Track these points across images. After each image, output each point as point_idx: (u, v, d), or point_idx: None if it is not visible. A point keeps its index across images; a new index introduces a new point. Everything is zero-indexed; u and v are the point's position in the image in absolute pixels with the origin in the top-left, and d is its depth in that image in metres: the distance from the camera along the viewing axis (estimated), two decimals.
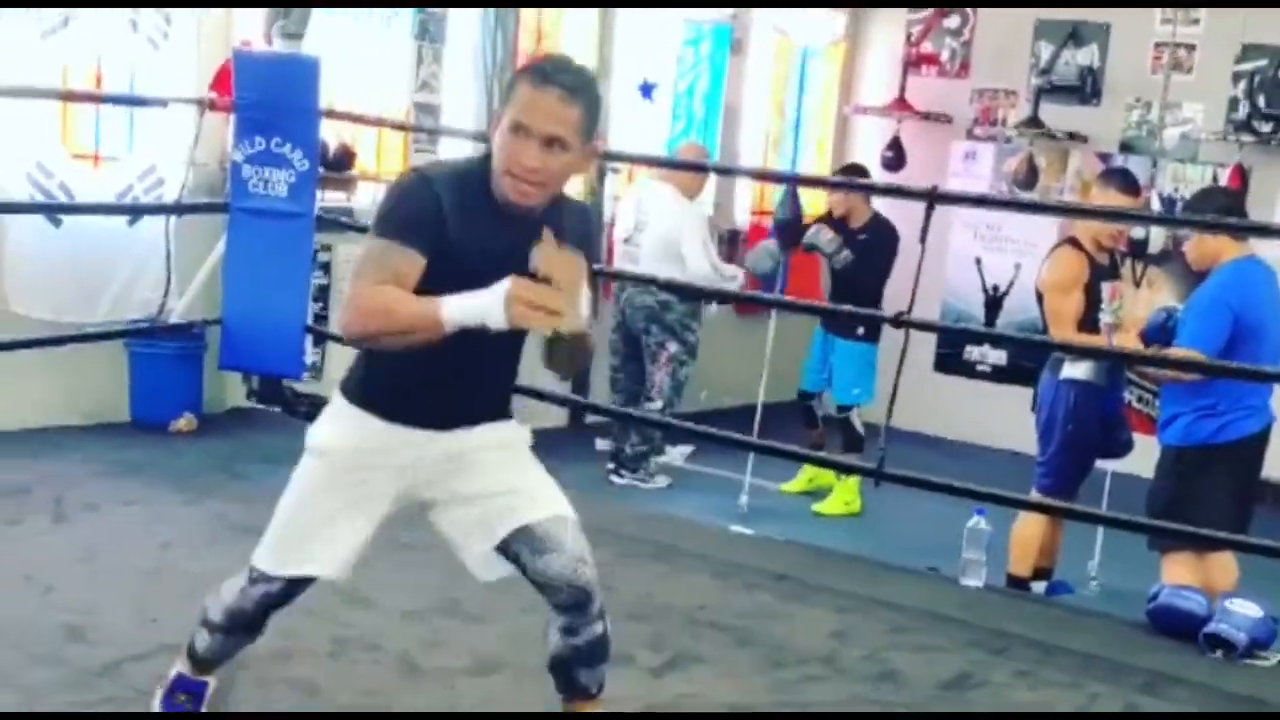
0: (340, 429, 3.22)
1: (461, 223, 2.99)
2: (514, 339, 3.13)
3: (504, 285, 2.80)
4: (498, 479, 3.24)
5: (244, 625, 3.34)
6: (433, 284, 2.91)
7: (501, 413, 3.35)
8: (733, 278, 7.89)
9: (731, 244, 9.61)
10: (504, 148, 2.97)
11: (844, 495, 7.77)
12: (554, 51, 2.88)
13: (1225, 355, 5.14)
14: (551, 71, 2.97)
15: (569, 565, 3.17)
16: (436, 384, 3.14)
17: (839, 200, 7.82)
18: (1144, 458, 5.84)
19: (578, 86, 2.98)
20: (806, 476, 8.07)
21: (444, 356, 2.96)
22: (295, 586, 3.29)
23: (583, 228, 3.23)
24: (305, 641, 4.11)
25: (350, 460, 3.20)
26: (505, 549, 3.21)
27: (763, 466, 7.63)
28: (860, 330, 7.65)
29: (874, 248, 7.60)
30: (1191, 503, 5.22)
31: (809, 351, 8.04)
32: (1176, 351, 5.24)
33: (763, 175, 10.25)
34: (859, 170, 8.21)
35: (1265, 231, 6.73)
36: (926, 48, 10.36)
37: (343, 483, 3.21)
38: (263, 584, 3.26)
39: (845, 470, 7.40)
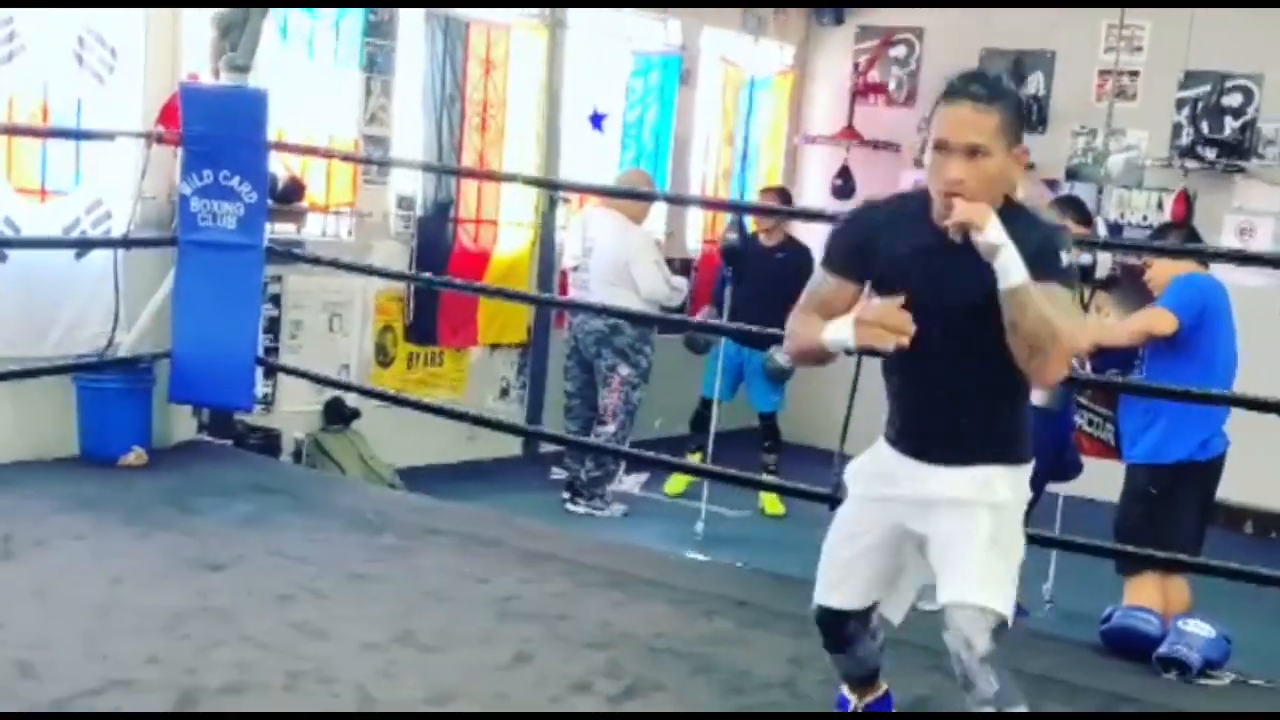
0: (863, 459, 3.51)
1: (896, 250, 3.17)
2: (982, 366, 3.18)
3: (857, 310, 3.11)
4: (936, 544, 3.31)
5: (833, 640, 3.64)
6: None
7: (983, 457, 3.29)
8: (684, 289, 8.05)
9: (684, 273, 9.63)
10: (931, 168, 3.13)
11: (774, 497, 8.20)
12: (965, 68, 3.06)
13: (1185, 352, 5.24)
14: (961, 85, 3.12)
15: (958, 649, 3.20)
16: (914, 412, 3.34)
17: (760, 219, 8.31)
18: (1095, 480, 5.88)
19: (990, 94, 3.10)
20: (686, 478, 8.32)
21: (910, 381, 3.28)
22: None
23: (1040, 236, 3.16)
24: (259, 675, 4.06)
25: (860, 489, 3.48)
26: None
27: (719, 493, 7.63)
28: (769, 349, 7.99)
29: (788, 266, 7.79)
30: (1162, 523, 5.27)
31: (713, 362, 8.33)
32: (1147, 310, 5.39)
33: (712, 204, 10.29)
34: (782, 193, 8.65)
35: (1212, 255, 6.80)
36: (873, 77, 10.45)
37: (858, 511, 3.48)
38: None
39: (800, 495, 7.40)
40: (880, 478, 3.40)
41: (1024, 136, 3.24)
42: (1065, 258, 3.14)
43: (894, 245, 3.20)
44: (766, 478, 7.77)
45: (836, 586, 3.50)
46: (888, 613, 3.60)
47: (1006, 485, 3.28)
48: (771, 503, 8.24)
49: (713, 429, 7.98)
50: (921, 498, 3.31)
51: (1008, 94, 3.18)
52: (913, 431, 3.35)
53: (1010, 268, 3.03)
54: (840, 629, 3.56)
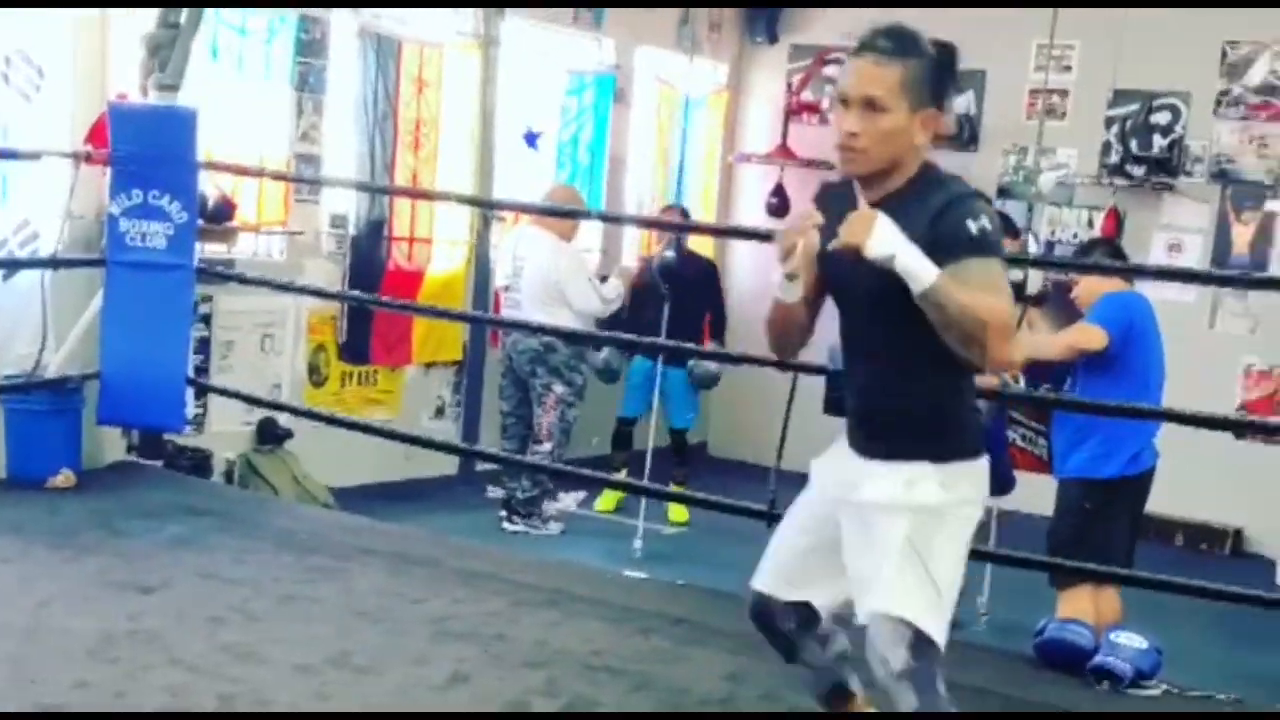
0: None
1: (827, 232, 3.02)
2: (906, 354, 3.06)
3: None
4: (850, 550, 3.15)
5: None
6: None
7: (908, 452, 3.09)
8: (616, 298, 8.07)
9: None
10: (832, 125, 3.02)
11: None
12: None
13: (1116, 369, 5.29)
14: (868, 38, 2.99)
15: (873, 664, 3.06)
16: (851, 400, 3.22)
17: (660, 237, 8.48)
18: (1028, 495, 5.93)
19: (895, 49, 2.96)
20: (618, 495, 8.39)
21: (847, 369, 3.20)
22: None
23: (947, 205, 2.98)
24: (190, 699, 4.01)
25: (814, 479, 3.36)
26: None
27: (657, 510, 7.63)
28: (690, 361, 8.20)
29: (697, 283, 8.00)
30: (1096, 536, 5.32)
31: (632, 379, 8.43)
32: (1078, 326, 5.41)
33: (647, 223, 10.30)
34: (682, 212, 8.77)
35: (1142, 272, 6.89)
36: (807, 96, 10.50)
37: (806, 500, 3.36)
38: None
39: (737, 512, 7.41)
40: (828, 471, 3.26)
41: (944, 104, 3.07)
42: (974, 225, 2.93)
43: (827, 230, 3.01)
44: (698, 495, 7.71)
45: (766, 570, 3.35)
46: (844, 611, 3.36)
47: (935, 485, 3.04)
48: (677, 511, 8.25)
49: (649, 445, 7.98)
50: (852, 497, 3.13)
51: (919, 51, 2.99)
52: (852, 422, 3.22)
53: (913, 272, 2.86)
54: (768, 618, 3.35)
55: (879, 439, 3.13)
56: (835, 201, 3.10)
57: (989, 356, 2.91)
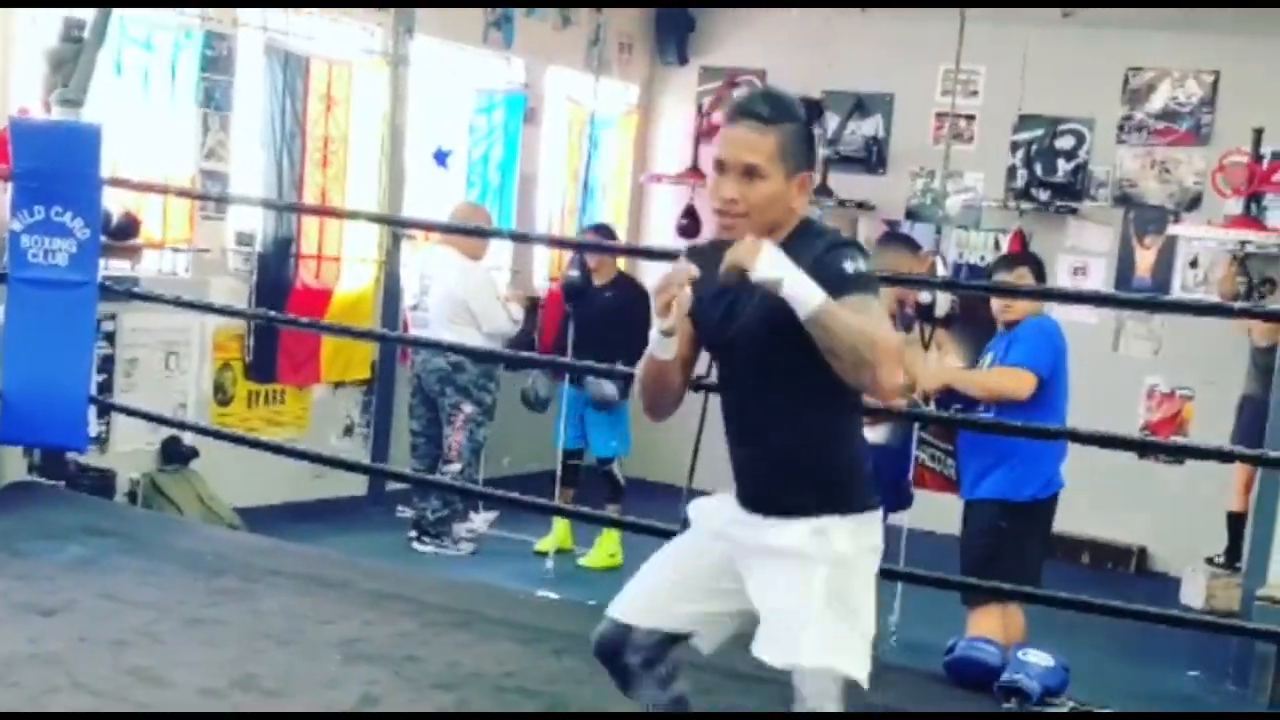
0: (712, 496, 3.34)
1: (702, 291, 3.04)
2: (792, 406, 3.04)
3: None
4: (760, 600, 3.10)
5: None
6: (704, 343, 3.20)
7: (807, 508, 3.06)
8: (518, 319, 7.98)
9: (531, 311, 9.61)
10: (709, 189, 3.08)
11: (607, 548, 7.85)
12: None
13: (1037, 400, 5.35)
14: (744, 105, 3.03)
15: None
16: (738, 458, 3.19)
17: (590, 256, 8.04)
18: (936, 513, 5.97)
19: (771, 116, 3.00)
20: (560, 534, 7.98)
21: (731, 427, 3.18)
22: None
23: (828, 251, 2.99)
24: None
25: (698, 518, 3.31)
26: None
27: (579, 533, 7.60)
28: (587, 379, 7.69)
29: (619, 304, 7.67)
30: (1010, 556, 5.37)
31: (561, 411, 8.00)
32: (1009, 371, 5.42)
33: (556, 242, 10.28)
34: (606, 230, 8.60)
35: (1048, 295, 7.00)
36: (717, 118, 10.51)
37: (688, 540, 3.32)
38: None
39: (649, 532, 7.39)
40: (717, 514, 3.23)
41: (815, 164, 3.15)
42: (851, 266, 2.95)
43: (701, 289, 3.03)
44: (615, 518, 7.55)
45: (629, 600, 3.27)
46: (697, 642, 3.29)
47: (845, 536, 3.03)
48: (600, 553, 7.89)
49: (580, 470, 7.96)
50: (758, 546, 3.09)
51: (793, 116, 3.03)
52: (741, 481, 3.17)
53: (801, 295, 2.84)
54: (617, 649, 3.26)
55: (773, 495, 3.10)
56: (706, 262, 3.06)
57: (880, 380, 2.88)
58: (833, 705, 2.99)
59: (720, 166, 3.03)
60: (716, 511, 3.24)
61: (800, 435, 3.07)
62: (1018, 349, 5.48)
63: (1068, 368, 5.54)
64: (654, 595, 3.27)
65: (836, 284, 2.90)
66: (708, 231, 9.95)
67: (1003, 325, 5.63)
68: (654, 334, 3.06)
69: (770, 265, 2.86)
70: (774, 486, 3.10)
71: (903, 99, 9.94)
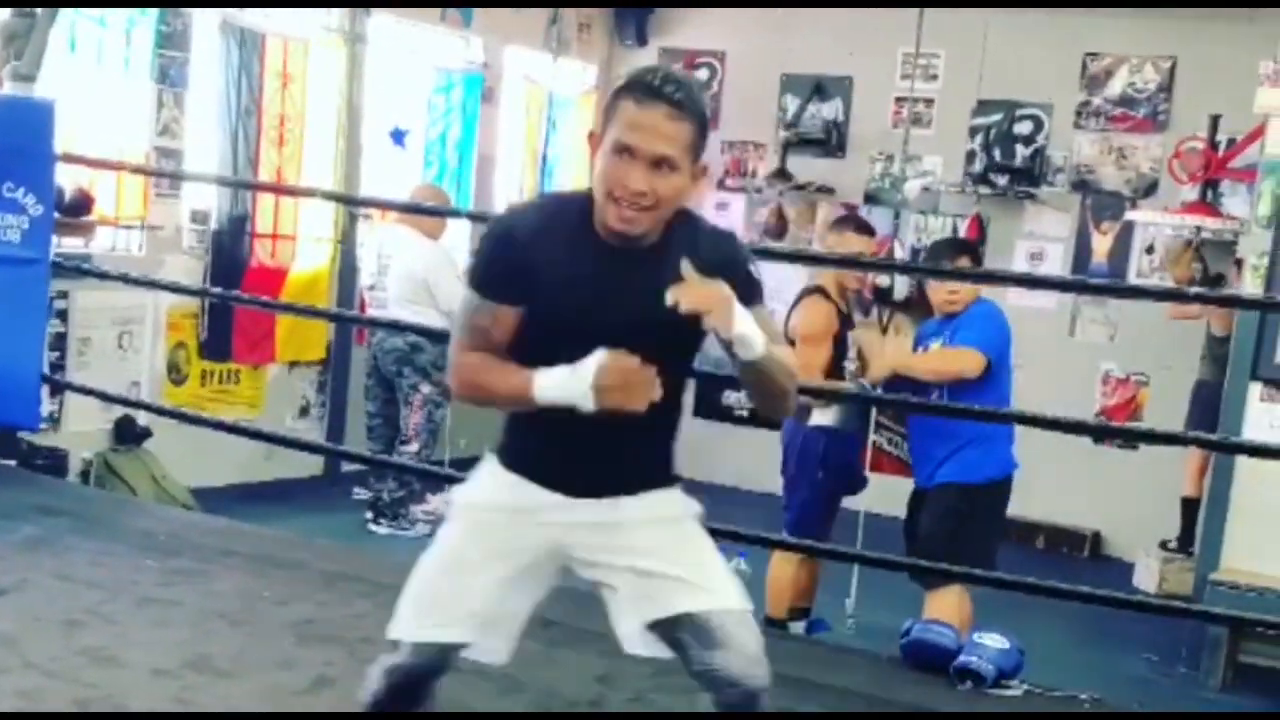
0: (482, 484, 3.11)
1: (555, 265, 2.78)
2: (663, 391, 2.78)
3: (590, 369, 2.68)
4: (662, 560, 2.93)
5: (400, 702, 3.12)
6: (540, 333, 2.83)
7: (658, 481, 3.01)
8: None
9: None
10: (606, 171, 2.74)
11: None
12: (651, 65, 2.49)
13: (986, 383, 5.42)
14: (659, 85, 2.74)
15: (746, 668, 2.86)
16: (569, 446, 2.90)
17: None
18: (890, 496, 5.99)
19: (687, 102, 2.74)
20: None
21: (573, 418, 2.76)
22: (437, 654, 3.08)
23: (729, 254, 2.86)
24: (45, 703, 3.89)
25: (486, 516, 3.07)
26: (665, 632, 2.96)
27: None
28: None
29: None
30: (970, 538, 5.42)
31: None
32: (959, 350, 5.48)
33: None
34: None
35: (1005, 279, 7.04)
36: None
37: (479, 535, 3.06)
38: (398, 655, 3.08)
39: None
40: (510, 507, 3.03)
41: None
42: (755, 269, 2.87)
43: (555, 263, 2.79)
44: None
45: (448, 617, 3.04)
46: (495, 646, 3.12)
47: (685, 497, 3.03)
48: None
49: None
50: (622, 520, 2.95)
51: (702, 105, 2.81)
52: (562, 464, 2.96)
53: (751, 342, 2.73)
54: (433, 676, 3.13)
55: (617, 478, 2.97)
56: (559, 228, 2.85)
57: (786, 407, 2.91)
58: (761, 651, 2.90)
59: (627, 151, 2.72)
60: (514, 500, 3.03)
61: (661, 421, 2.94)
62: (966, 332, 5.54)
63: (1011, 353, 5.61)
64: (490, 607, 3.03)
65: (744, 287, 2.77)
66: None
67: (941, 314, 5.68)
68: (562, 396, 2.76)
69: (740, 322, 2.72)
70: (613, 469, 2.94)
71: (862, 82, 9.93)
